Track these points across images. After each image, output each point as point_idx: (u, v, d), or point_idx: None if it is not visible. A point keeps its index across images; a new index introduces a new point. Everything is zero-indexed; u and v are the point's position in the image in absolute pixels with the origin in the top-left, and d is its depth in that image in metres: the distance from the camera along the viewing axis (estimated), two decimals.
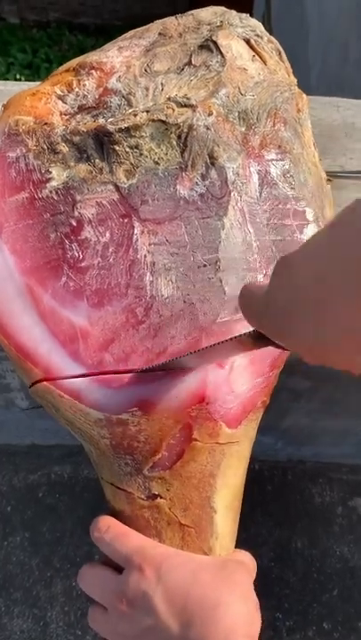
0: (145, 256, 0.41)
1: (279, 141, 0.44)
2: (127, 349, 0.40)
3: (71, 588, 0.79)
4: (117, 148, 0.41)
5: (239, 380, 0.41)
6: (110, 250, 0.41)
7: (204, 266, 0.41)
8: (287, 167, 0.44)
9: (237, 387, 0.41)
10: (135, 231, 0.41)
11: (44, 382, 0.40)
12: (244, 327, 0.40)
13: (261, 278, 0.41)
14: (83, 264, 0.41)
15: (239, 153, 0.42)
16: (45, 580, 0.80)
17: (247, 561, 0.42)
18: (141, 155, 0.42)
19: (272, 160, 0.43)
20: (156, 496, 0.42)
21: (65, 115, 0.44)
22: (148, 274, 0.40)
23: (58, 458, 0.87)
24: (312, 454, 0.76)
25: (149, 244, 0.41)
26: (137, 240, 0.41)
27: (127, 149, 0.42)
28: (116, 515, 0.44)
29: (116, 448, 0.41)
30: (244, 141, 0.43)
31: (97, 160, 0.42)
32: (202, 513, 0.41)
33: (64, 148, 0.42)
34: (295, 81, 0.46)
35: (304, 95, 0.47)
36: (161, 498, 0.42)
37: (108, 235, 0.41)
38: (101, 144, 0.42)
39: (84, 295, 0.40)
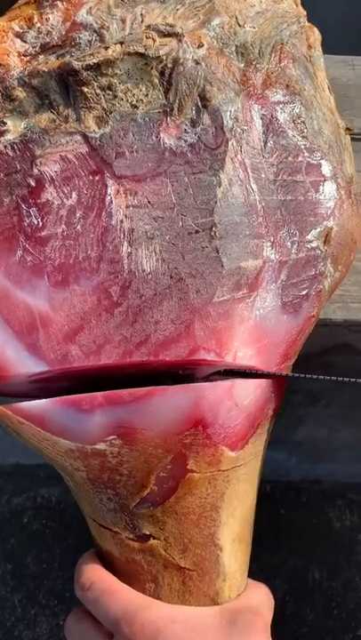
0: (121, 222, 0.32)
1: (287, 80, 0.35)
2: (99, 339, 0.31)
3: (58, 628, 0.70)
4: (86, 89, 0.33)
5: (244, 388, 0.33)
6: (77, 215, 0.32)
7: (196, 232, 0.32)
8: (297, 111, 0.35)
9: (242, 397, 0.32)
10: (109, 191, 0.32)
11: None
12: (246, 308, 0.31)
13: (269, 247, 0.33)
14: (43, 233, 0.32)
15: (238, 93, 0.34)
16: (29, 618, 0.71)
17: (262, 604, 0.34)
18: (115, 97, 0.33)
19: (279, 102, 0.35)
20: (147, 536, 0.34)
21: (24, 56, 0.36)
22: (126, 244, 0.32)
23: (45, 479, 0.79)
24: (330, 472, 0.67)
25: (127, 207, 0.32)
26: (111, 202, 0.32)
27: (98, 91, 0.33)
28: (104, 556, 0.36)
29: (95, 482, 0.34)
30: (243, 80, 0.34)
31: (61, 106, 0.34)
32: (205, 553, 0.33)
33: (21, 93, 0.34)
34: (305, 13, 0.38)
35: (315, 29, 0.39)
36: (154, 538, 0.33)
37: (74, 196, 0.32)
38: (66, 86, 0.34)
39: (45, 272, 0.32)
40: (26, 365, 0.31)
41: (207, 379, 0.35)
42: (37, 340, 0.31)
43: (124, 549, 0.34)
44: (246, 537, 0.36)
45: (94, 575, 0.34)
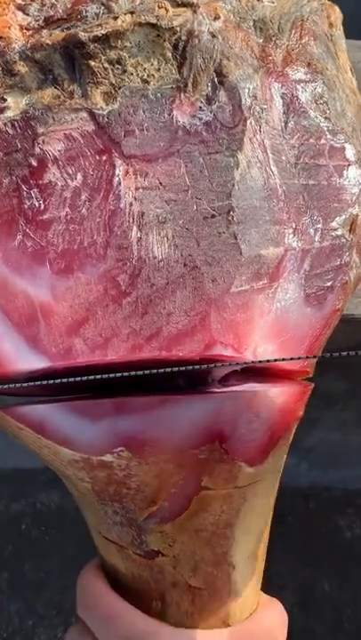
0: (130, 205, 0.29)
1: (308, 58, 0.33)
2: (106, 332, 0.28)
3: None
4: (93, 63, 0.31)
5: (267, 396, 0.30)
6: (83, 197, 0.30)
7: (212, 217, 0.29)
8: (320, 91, 0.33)
9: (264, 406, 0.30)
10: (117, 172, 0.30)
11: None
12: (267, 299, 0.29)
13: (291, 234, 0.30)
14: (45, 216, 0.30)
15: (256, 70, 0.32)
16: (26, 630, 0.68)
17: (275, 626, 0.32)
18: (125, 72, 0.31)
19: (300, 81, 0.32)
20: (155, 553, 0.31)
21: (27, 29, 0.33)
22: (135, 228, 0.29)
23: (45, 484, 0.76)
24: (340, 479, 0.64)
25: (136, 189, 0.30)
26: (119, 183, 0.30)
27: (106, 65, 0.31)
28: (108, 569, 0.33)
29: (100, 494, 0.31)
30: (262, 56, 0.32)
31: (66, 82, 0.31)
32: (216, 571, 0.31)
33: (23, 67, 0.32)
34: None
35: (336, 8, 0.36)
36: (162, 555, 0.31)
37: (79, 177, 0.30)
38: (72, 60, 0.31)
39: (47, 259, 0.29)
40: (25, 360, 0.28)
41: (226, 379, 0.32)
42: (38, 333, 0.28)
43: (130, 565, 0.32)
44: (261, 554, 0.33)
45: (97, 595, 0.31)
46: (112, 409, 0.29)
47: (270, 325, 0.29)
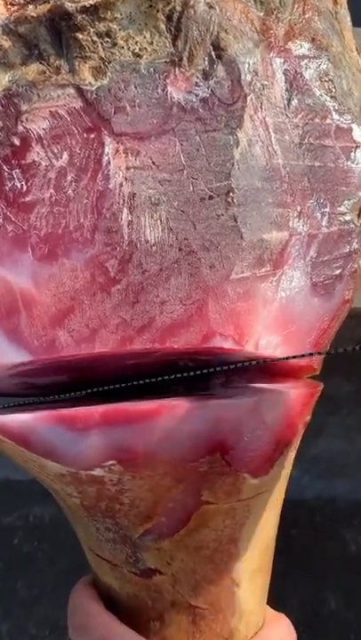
0: (120, 185, 0.27)
1: (312, 33, 0.31)
2: (93, 323, 0.26)
3: None
4: (81, 36, 0.28)
5: (272, 400, 0.28)
6: (69, 178, 0.27)
7: (210, 198, 0.27)
8: (324, 68, 0.31)
9: (270, 411, 0.27)
10: (106, 150, 0.27)
11: None
12: (270, 287, 0.26)
13: (295, 217, 0.28)
14: (27, 199, 0.27)
15: (257, 44, 0.29)
16: None
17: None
18: (115, 45, 0.29)
19: (303, 57, 0.30)
20: (152, 571, 0.28)
21: (12, 5, 0.31)
22: (126, 211, 0.27)
23: (38, 496, 0.73)
24: (346, 490, 0.61)
25: (127, 169, 0.27)
26: (108, 163, 0.27)
27: (95, 38, 0.29)
28: (102, 586, 0.31)
29: (90, 510, 0.28)
30: (263, 29, 0.30)
31: (52, 57, 0.29)
32: (219, 590, 0.28)
33: (6, 42, 0.29)
34: None
35: None
36: (160, 574, 0.28)
37: (65, 157, 0.28)
38: (58, 34, 0.29)
39: (29, 244, 0.27)
40: (5, 354, 0.26)
41: (228, 382, 0.29)
42: (19, 325, 0.26)
43: (124, 584, 0.29)
44: (267, 566, 0.31)
45: (91, 616, 0.29)
46: (101, 419, 0.26)
47: (274, 316, 0.26)
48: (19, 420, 0.26)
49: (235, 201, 0.27)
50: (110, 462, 0.26)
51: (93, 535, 0.30)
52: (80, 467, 0.27)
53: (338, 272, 0.28)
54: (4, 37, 0.30)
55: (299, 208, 0.28)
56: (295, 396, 0.28)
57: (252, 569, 0.29)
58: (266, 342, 0.26)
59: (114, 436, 0.26)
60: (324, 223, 0.28)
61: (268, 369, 0.28)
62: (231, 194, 0.27)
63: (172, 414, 0.26)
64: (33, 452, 0.27)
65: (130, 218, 0.27)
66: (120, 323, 0.25)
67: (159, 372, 0.30)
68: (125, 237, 0.26)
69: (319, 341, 0.28)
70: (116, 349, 0.25)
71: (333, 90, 0.31)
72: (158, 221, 0.26)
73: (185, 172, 0.27)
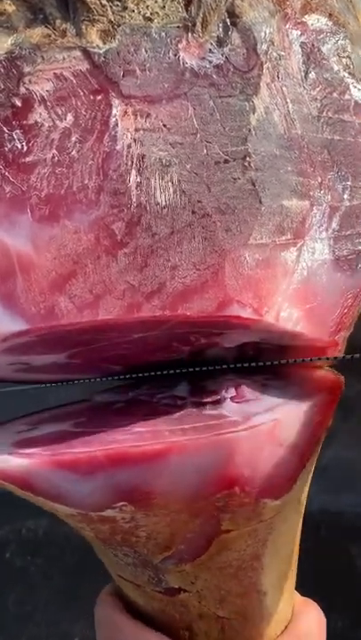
0: (129, 147, 0.25)
1: (329, 9, 0.30)
2: (97, 288, 0.23)
3: None
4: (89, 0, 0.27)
5: (291, 418, 0.25)
6: (73, 138, 0.25)
7: (225, 162, 0.25)
8: (342, 44, 0.29)
9: (288, 431, 0.25)
10: (114, 112, 0.26)
11: None
12: (291, 257, 0.24)
13: (316, 187, 0.26)
14: (28, 159, 0.25)
15: (273, 15, 0.28)
16: None
17: (310, 634, 0.30)
18: (125, 9, 0.27)
19: (321, 31, 0.29)
20: (177, 590, 0.27)
21: None
22: (134, 172, 0.25)
23: (31, 508, 0.68)
24: (353, 503, 0.58)
25: (136, 130, 0.25)
26: (116, 124, 0.25)
27: (104, 2, 0.27)
28: (125, 600, 0.29)
29: (107, 542, 0.26)
30: (279, 0, 0.29)
31: (58, 20, 0.27)
32: (246, 601, 0.27)
33: (9, 6, 0.28)
34: None
35: None
36: (185, 592, 0.27)
37: (69, 118, 0.26)
38: None
39: (28, 204, 0.24)
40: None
41: (239, 395, 0.27)
42: (15, 290, 0.23)
43: (149, 600, 0.28)
44: (292, 567, 0.29)
45: (119, 630, 0.28)
46: (106, 461, 0.24)
47: (295, 288, 0.24)
48: (18, 465, 0.24)
49: (252, 165, 0.25)
50: (121, 503, 0.24)
51: (112, 560, 0.28)
52: (89, 509, 0.25)
53: None
54: (8, 2, 0.28)
55: (319, 179, 0.26)
56: (315, 405, 0.26)
57: (278, 576, 0.28)
58: (287, 314, 0.24)
59: (121, 478, 0.24)
60: (346, 196, 0.26)
61: (285, 349, 0.25)
62: (248, 158, 0.25)
63: (180, 454, 0.24)
64: (38, 496, 0.25)
65: (139, 179, 0.24)
66: (127, 288, 0.23)
67: (164, 360, 0.27)
68: (134, 199, 0.24)
69: (343, 320, 0.25)
70: (123, 317, 0.23)
71: (351, 66, 0.29)
72: (170, 183, 0.24)
73: (198, 135, 0.25)
